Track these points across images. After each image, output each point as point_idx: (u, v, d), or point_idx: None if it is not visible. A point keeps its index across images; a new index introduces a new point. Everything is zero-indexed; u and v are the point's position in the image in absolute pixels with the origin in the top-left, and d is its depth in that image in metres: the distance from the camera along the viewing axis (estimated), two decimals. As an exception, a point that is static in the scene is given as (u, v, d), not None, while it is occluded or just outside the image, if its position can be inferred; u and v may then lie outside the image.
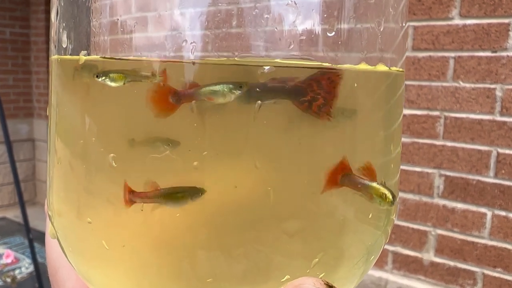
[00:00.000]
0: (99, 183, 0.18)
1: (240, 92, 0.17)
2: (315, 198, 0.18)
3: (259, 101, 0.16)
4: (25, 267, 2.09)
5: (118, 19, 0.18)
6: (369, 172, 0.19)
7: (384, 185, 0.19)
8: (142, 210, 0.17)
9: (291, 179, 0.18)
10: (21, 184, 1.93)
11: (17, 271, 2.06)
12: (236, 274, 0.17)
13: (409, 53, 1.32)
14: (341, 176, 0.18)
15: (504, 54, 1.19)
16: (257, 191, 0.17)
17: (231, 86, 0.16)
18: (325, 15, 0.17)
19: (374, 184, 0.19)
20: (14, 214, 3.06)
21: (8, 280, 1.98)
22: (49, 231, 0.21)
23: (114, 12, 0.18)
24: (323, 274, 0.18)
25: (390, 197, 0.19)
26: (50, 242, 0.24)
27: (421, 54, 1.31)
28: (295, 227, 0.17)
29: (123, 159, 0.17)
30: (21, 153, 3.23)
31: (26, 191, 3.21)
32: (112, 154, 0.18)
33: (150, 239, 0.17)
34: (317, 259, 0.18)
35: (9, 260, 2.07)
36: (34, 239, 1.62)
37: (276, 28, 0.17)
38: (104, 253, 0.18)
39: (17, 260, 2.11)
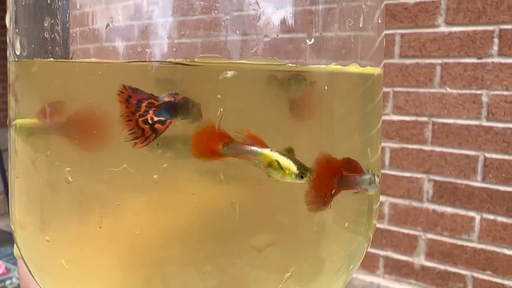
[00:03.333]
0: (56, 199, 0.17)
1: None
2: (284, 210, 0.17)
3: (221, 109, 0.16)
4: (16, 278, 2.06)
5: (75, 27, 0.17)
6: (254, 140, 0.16)
7: (287, 154, 0.16)
8: (100, 228, 0.16)
9: (258, 190, 0.17)
10: (11, 194, 1.91)
11: (7, 282, 2.03)
12: None
13: (396, 60, 1.34)
14: (222, 145, 0.16)
15: (489, 60, 1.21)
16: (223, 203, 0.16)
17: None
18: (297, 18, 0.16)
19: (265, 151, 0.16)
20: (4, 224, 3.02)
21: (-1, 291, 1.95)
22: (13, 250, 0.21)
23: (72, 17, 0.17)
24: None
25: (293, 167, 0.16)
26: None
27: (408, 61, 1.33)
28: (264, 241, 0.16)
29: (80, 173, 0.16)
30: (11, 162, 3.20)
31: (16, 201, 3.15)
32: (68, 168, 0.16)
33: (113, 257, 0.16)
34: (289, 273, 0.17)
35: (-1, 271, 2.04)
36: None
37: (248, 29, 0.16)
38: (65, 273, 0.17)
39: (8, 270, 2.08)
